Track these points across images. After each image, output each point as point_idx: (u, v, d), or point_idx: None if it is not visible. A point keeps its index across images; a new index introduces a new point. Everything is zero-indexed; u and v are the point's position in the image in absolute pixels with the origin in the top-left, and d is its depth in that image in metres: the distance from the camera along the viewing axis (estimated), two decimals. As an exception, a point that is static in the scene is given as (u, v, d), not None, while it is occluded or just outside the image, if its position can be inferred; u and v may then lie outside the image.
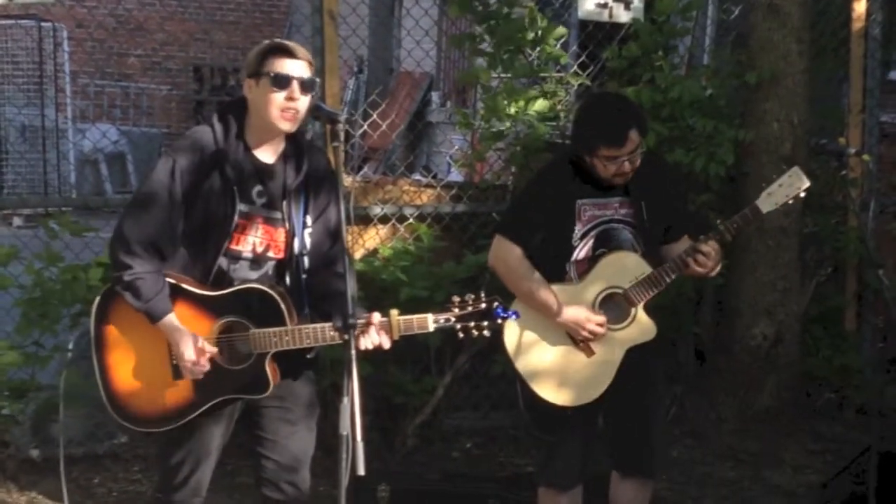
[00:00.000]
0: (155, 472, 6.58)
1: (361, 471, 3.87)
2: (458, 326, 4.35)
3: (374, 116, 8.24)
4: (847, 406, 8.07)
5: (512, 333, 5.04)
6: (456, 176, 10.38)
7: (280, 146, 4.52)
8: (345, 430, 3.88)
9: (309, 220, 4.55)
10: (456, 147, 11.65)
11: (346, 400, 3.91)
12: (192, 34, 20.15)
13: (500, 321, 4.38)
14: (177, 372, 4.46)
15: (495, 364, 7.05)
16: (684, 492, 6.77)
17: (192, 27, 20.12)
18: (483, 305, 4.34)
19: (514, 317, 4.53)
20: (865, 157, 6.87)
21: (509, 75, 7.60)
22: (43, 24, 16.32)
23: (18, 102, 16.20)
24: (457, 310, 4.33)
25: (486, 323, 4.34)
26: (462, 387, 7.52)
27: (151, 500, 4.94)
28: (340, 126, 4.19)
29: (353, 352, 4.01)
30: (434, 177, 8.51)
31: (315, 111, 4.40)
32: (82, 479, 6.68)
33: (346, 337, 4.08)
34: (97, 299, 4.56)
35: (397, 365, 7.01)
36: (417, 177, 9.18)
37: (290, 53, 4.39)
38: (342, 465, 3.89)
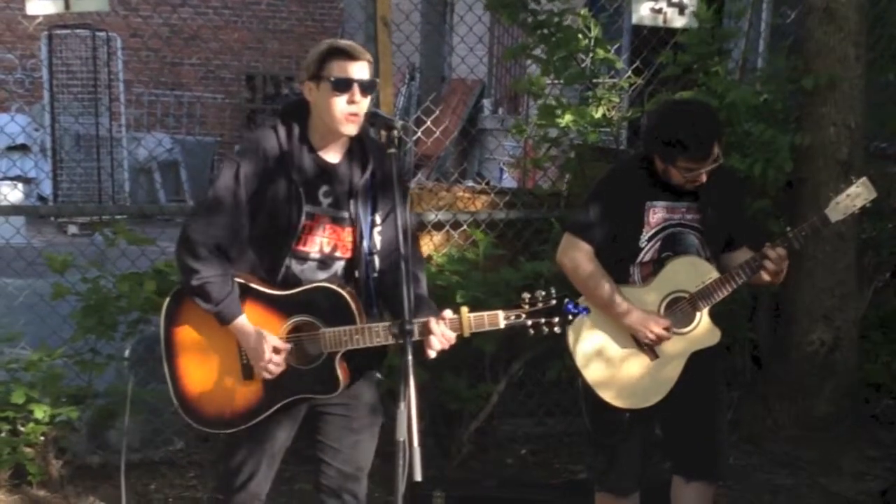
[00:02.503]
0: (210, 479, 6.65)
1: (418, 476, 3.86)
2: (529, 323, 4.32)
3: (428, 123, 8.25)
4: (905, 412, 8.01)
5: (576, 334, 5.03)
6: (509, 182, 10.36)
7: (345, 145, 4.50)
8: (402, 436, 3.88)
9: (378, 218, 4.52)
10: (509, 154, 11.63)
11: (402, 406, 3.91)
12: (245, 43, 20.24)
13: (570, 317, 4.36)
14: (247, 372, 4.46)
15: (550, 371, 7.05)
16: (742, 498, 6.73)
17: (246, 36, 20.22)
18: (553, 302, 4.31)
19: (584, 313, 4.53)
20: (927, 160, 6.80)
21: (562, 82, 7.57)
22: (98, 33, 16.44)
23: (73, 111, 16.32)
24: (527, 306, 4.31)
25: (556, 319, 4.31)
26: (517, 393, 7.51)
27: (211, 500, 4.94)
28: (396, 133, 4.20)
29: (410, 357, 4.00)
30: (487, 184, 8.50)
31: (371, 118, 4.37)
32: (139, 486, 6.71)
33: (402, 343, 4.06)
34: (166, 301, 4.57)
35: (452, 371, 6.99)
36: (470, 184, 9.17)
37: (349, 55, 4.36)
38: (399, 471, 3.89)
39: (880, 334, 8.02)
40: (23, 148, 16.52)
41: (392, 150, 4.20)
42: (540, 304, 4.31)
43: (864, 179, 5.03)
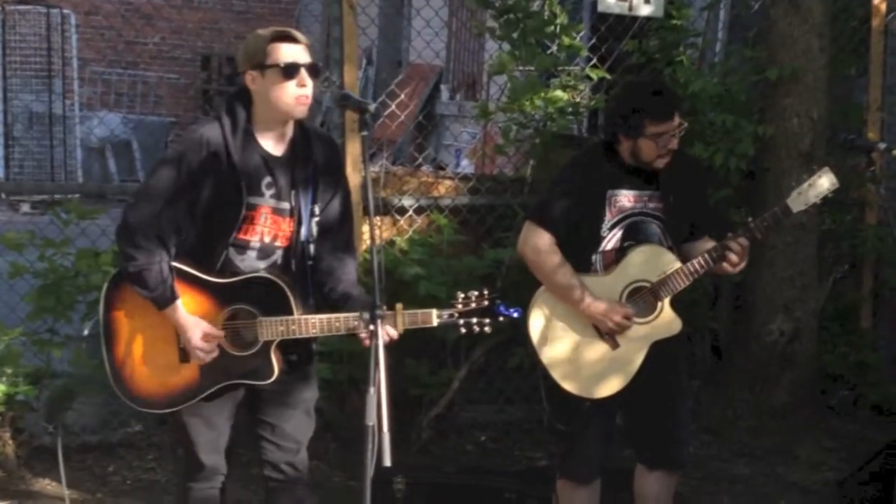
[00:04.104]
0: (169, 461, 6.62)
1: (388, 462, 3.92)
2: (461, 322, 4.43)
3: (393, 106, 8.21)
4: (862, 403, 8.05)
5: (537, 322, 5.02)
6: (466, 168, 10.35)
7: (288, 136, 4.53)
8: (371, 420, 3.91)
9: (317, 209, 4.58)
10: (471, 138, 11.61)
11: (372, 391, 3.94)
12: (201, 23, 20.10)
13: (500, 319, 4.45)
14: (183, 355, 4.53)
15: (511, 358, 7.05)
16: (700, 487, 6.77)
17: (203, 16, 20.07)
18: (485, 303, 4.41)
19: (515, 315, 4.55)
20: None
21: (531, 68, 7.56)
22: (52, 10, 16.27)
23: (30, 89, 16.16)
24: (460, 306, 4.41)
25: (487, 320, 4.42)
26: (478, 380, 7.50)
27: (179, 488, 4.96)
28: (369, 115, 4.23)
29: (381, 342, 4.04)
30: (445, 170, 8.49)
31: (343, 100, 4.43)
32: (97, 468, 6.67)
33: (372, 328, 4.09)
34: (105, 284, 4.63)
35: (413, 357, 6.98)
36: (432, 169, 9.16)
37: (292, 39, 4.42)
38: (367, 456, 3.90)
39: (838, 326, 8.09)
40: (-26, 125, 16.35)
41: (364, 133, 4.22)
42: (473, 305, 4.41)
43: (825, 169, 5.04)
